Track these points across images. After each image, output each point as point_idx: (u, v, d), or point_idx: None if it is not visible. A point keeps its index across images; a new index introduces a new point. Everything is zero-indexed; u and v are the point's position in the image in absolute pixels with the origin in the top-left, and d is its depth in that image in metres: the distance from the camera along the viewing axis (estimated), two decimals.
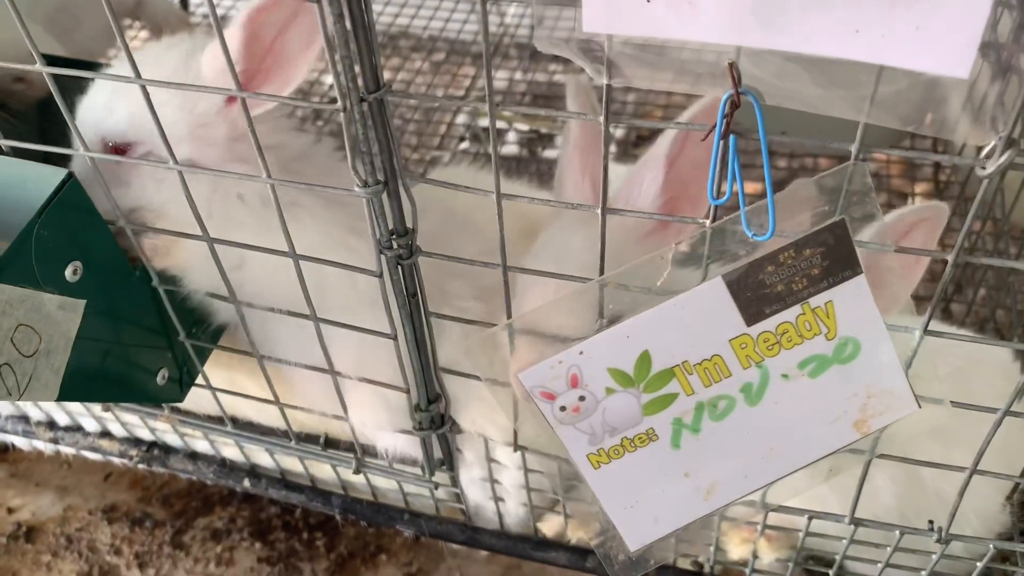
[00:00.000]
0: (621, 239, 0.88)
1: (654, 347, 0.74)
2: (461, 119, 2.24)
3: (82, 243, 0.86)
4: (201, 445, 1.33)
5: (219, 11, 2.72)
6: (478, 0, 0.62)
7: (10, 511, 1.71)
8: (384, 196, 0.79)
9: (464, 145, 2.10)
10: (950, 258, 0.70)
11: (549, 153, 2.07)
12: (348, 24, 0.67)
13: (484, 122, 2.15)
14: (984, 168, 0.62)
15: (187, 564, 1.63)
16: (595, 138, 0.95)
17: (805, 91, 0.63)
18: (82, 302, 0.87)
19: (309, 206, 1.01)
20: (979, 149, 0.63)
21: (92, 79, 0.99)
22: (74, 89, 0.97)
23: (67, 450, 1.46)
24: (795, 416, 0.78)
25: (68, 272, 0.85)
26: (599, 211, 0.75)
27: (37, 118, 1.27)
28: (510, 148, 2.13)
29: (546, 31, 0.65)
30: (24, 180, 0.84)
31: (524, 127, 2.12)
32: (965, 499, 0.88)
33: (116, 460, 1.42)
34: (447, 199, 1.22)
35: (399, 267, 0.85)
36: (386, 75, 2.23)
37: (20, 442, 1.52)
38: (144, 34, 2.38)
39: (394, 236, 0.83)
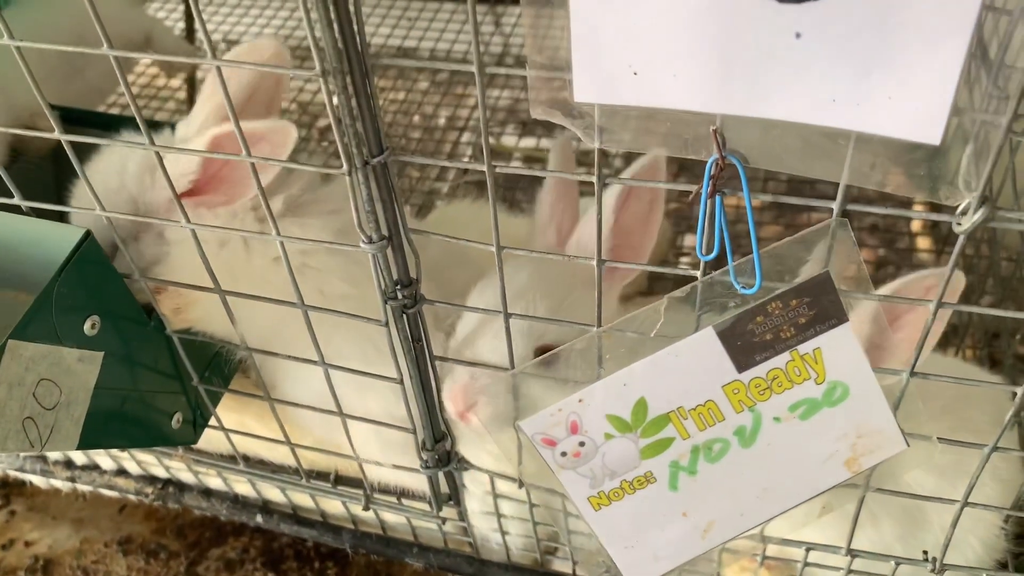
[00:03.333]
0: (569, 281, 0.95)
1: (650, 394, 0.77)
2: (466, 137, 2.28)
3: (100, 297, 0.90)
4: (214, 482, 1.36)
5: (224, 27, 2.74)
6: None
7: (27, 544, 1.74)
8: (388, 250, 0.83)
9: (467, 177, 2.13)
10: (932, 306, 0.73)
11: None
12: (351, 94, 0.71)
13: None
14: (960, 224, 0.65)
15: None
16: (565, 190, 1.05)
17: (788, 154, 0.66)
18: (100, 354, 0.91)
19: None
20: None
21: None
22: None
23: (84, 487, 1.50)
24: (788, 457, 0.81)
25: (87, 326, 0.88)
26: (595, 263, 0.78)
27: (52, 165, 1.31)
28: (513, 164, 2.16)
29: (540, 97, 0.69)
30: (44, 238, 0.87)
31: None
32: (968, 525, 0.90)
33: (132, 497, 1.45)
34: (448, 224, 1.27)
35: (404, 316, 0.89)
36: (390, 96, 2.23)
37: (38, 480, 1.56)
38: (154, 70, 2.43)
39: (399, 286, 0.87)
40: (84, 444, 0.92)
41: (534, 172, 0.75)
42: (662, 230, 1.55)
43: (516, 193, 2.00)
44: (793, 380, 0.77)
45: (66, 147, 0.83)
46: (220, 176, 1.01)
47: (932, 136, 0.59)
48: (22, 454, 1.46)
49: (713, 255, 0.71)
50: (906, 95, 0.58)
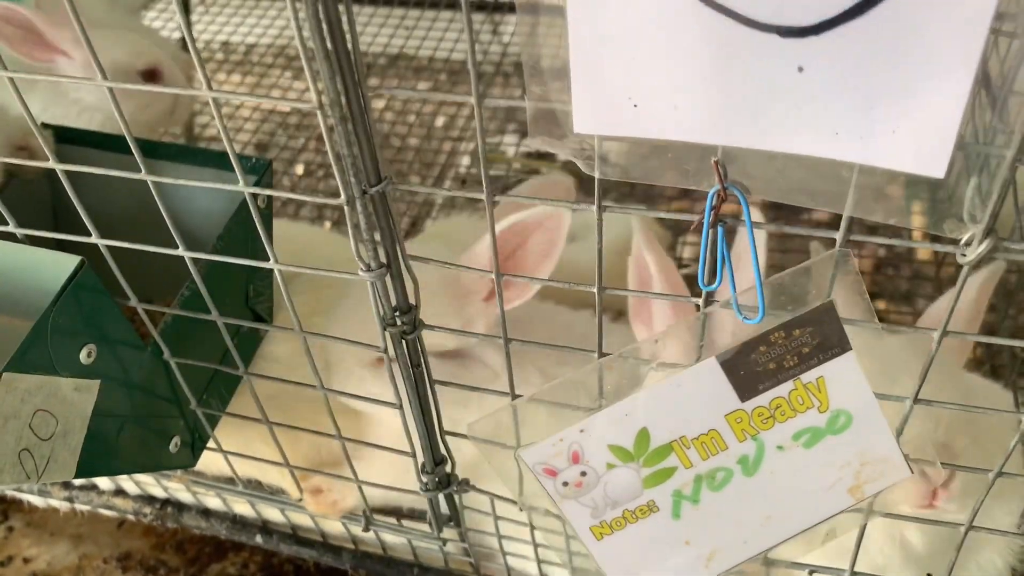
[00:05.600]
0: None
1: (652, 424, 0.76)
2: (463, 146, 2.27)
3: (95, 325, 0.89)
4: (213, 502, 1.35)
5: (221, 36, 2.75)
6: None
7: (26, 561, 1.73)
8: (387, 278, 0.82)
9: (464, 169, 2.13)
10: (936, 335, 0.72)
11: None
12: (350, 125, 0.70)
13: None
14: (964, 255, 0.65)
15: None
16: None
17: (791, 185, 0.66)
18: (96, 382, 0.90)
19: None
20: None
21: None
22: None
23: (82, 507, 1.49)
24: (791, 485, 0.80)
25: (83, 355, 0.88)
26: (595, 291, 0.77)
27: (48, 186, 1.30)
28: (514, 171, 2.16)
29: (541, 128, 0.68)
30: (38, 266, 0.86)
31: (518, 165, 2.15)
32: (992, 545, 0.90)
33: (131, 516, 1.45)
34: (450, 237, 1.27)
35: (403, 342, 0.88)
36: (382, 102, 2.25)
37: (36, 500, 1.55)
38: None
39: (397, 313, 0.86)
40: (81, 473, 0.91)
41: (535, 199, 0.74)
42: (660, 238, 1.53)
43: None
44: (796, 409, 0.76)
45: (61, 176, 0.82)
46: (525, 250, 1.03)
47: (936, 169, 0.59)
48: None
49: (716, 286, 0.70)
50: (910, 128, 0.58)
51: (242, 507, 1.34)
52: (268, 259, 0.85)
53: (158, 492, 1.39)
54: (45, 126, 1.22)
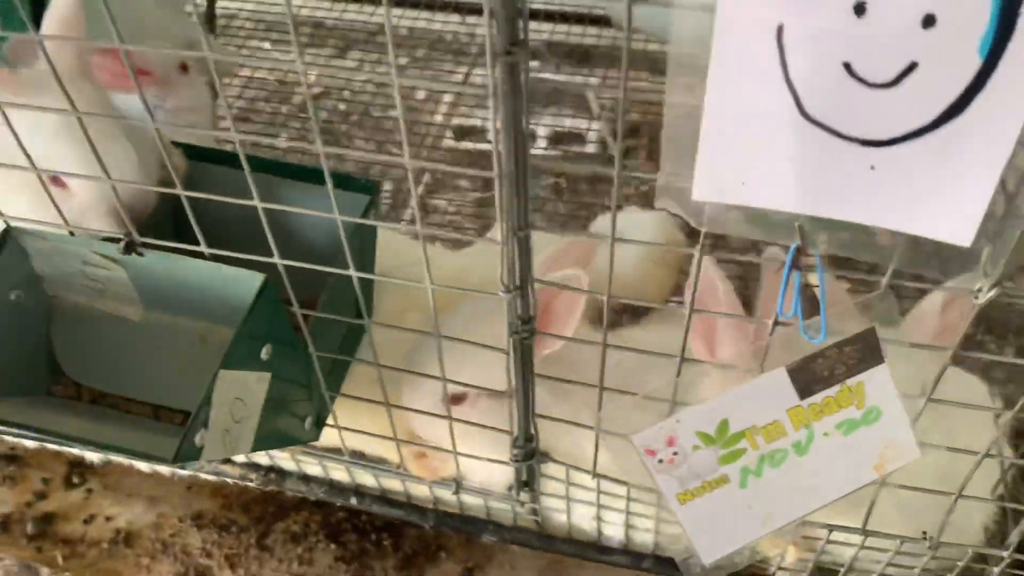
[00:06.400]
0: None
1: (731, 416, 0.99)
2: (441, 119, 2.50)
3: (271, 329, 1.09)
4: (312, 468, 1.56)
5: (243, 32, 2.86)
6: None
7: (108, 519, 1.93)
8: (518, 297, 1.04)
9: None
10: (949, 353, 0.96)
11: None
12: (515, 185, 0.91)
13: None
14: (977, 298, 0.88)
15: (272, 564, 1.85)
16: None
17: (854, 245, 0.88)
18: (269, 374, 1.10)
19: None
20: None
21: None
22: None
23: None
24: (832, 463, 1.04)
25: (263, 353, 1.08)
26: (686, 311, 1.00)
27: (170, 201, 1.46)
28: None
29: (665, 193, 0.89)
30: (231, 282, 1.06)
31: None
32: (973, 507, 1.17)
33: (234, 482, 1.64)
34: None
35: (522, 345, 1.10)
36: (363, 77, 2.46)
37: (142, 466, 1.74)
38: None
39: (521, 323, 1.07)
40: (253, 448, 1.12)
41: (642, 242, 0.96)
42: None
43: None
44: (841, 405, 0.99)
45: (260, 211, 1.01)
46: (549, 311, 1.21)
47: (965, 240, 0.81)
48: None
49: (791, 315, 0.93)
50: (948, 210, 0.80)
51: (338, 473, 1.55)
52: (372, 266, 1.15)
53: (263, 460, 1.59)
54: (175, 144, 1.39)
